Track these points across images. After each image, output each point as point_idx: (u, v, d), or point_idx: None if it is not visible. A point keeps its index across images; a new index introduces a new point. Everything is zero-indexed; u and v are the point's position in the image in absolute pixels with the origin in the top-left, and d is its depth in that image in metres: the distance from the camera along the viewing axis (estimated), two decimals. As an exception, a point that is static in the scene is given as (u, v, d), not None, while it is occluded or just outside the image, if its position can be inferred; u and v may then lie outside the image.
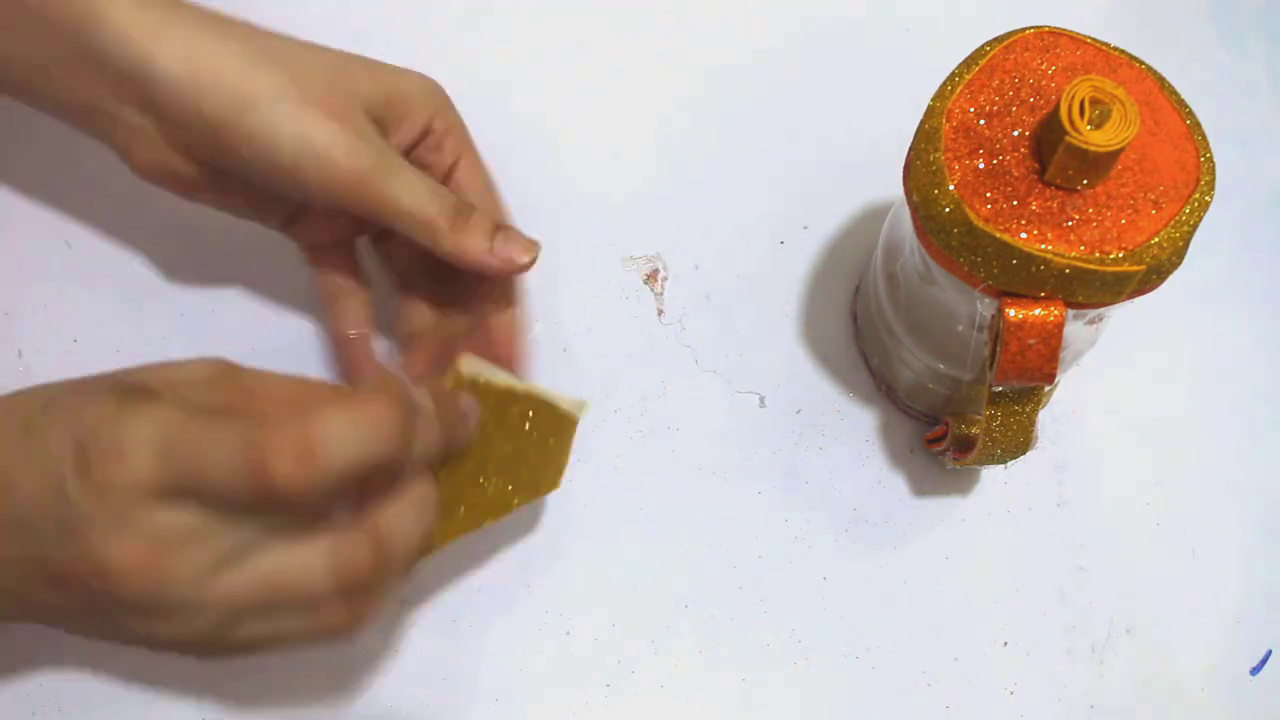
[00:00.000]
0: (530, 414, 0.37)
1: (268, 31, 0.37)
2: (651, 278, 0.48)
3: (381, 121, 0.37)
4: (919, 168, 0.34)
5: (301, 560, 0.28)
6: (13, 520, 0.28)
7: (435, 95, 0.39)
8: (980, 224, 0.32)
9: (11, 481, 0.28)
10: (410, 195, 0.36)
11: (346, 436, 0.27)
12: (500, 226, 0.38)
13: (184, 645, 0.29)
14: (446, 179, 0.40)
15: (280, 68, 0.35)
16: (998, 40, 0.35)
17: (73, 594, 0.28)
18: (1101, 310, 0.34)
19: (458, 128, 0.39)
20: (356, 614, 0.30)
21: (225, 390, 0.30)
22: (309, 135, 0.35)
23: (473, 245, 0.37)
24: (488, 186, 0.40)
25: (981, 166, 0.33)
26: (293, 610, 0.29)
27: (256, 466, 0.26)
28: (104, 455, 0.27)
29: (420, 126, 0.38)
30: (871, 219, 0.49)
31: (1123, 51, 0.35)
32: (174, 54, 0.34)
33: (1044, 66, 0.35)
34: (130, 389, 0.29)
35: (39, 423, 0.29)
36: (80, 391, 0.29)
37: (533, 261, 0.38)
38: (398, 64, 0.39)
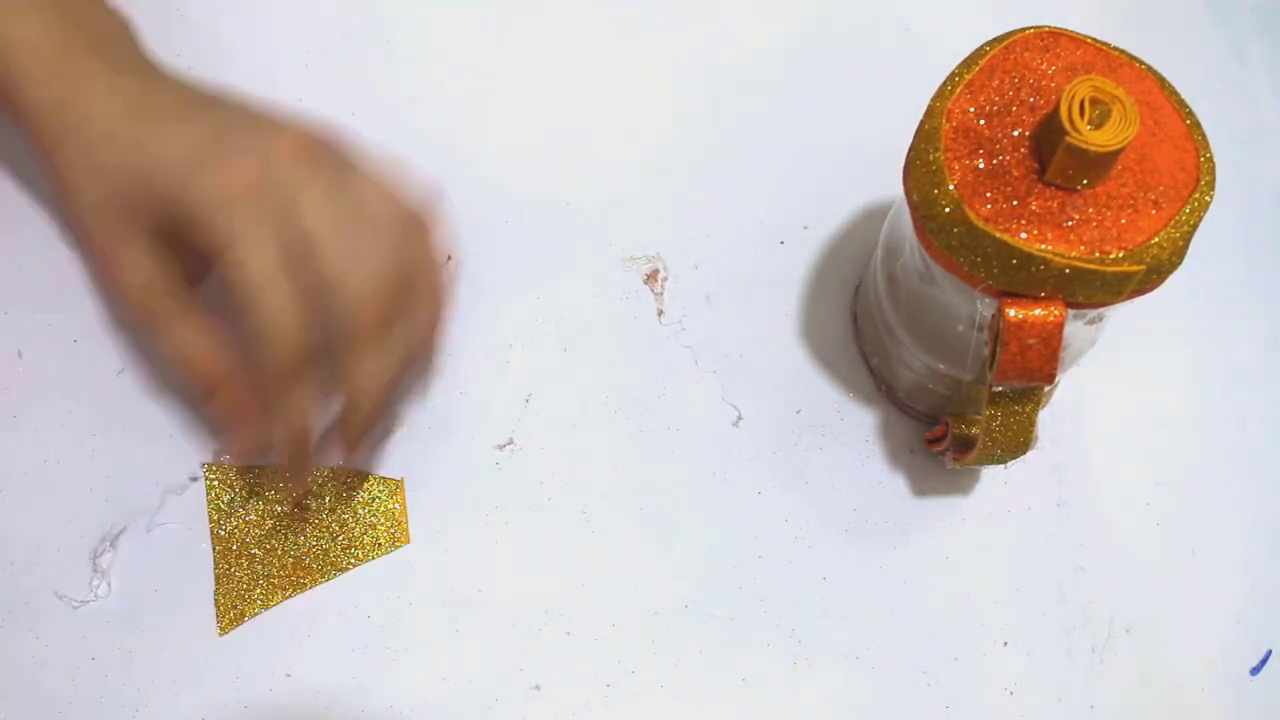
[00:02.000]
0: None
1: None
2: (651, 278, 0.48)
3: (170, 240, 0.36)
4: (919, 168, 0.34)
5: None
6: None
7: (190, 211, 0.35)
8: (980, 224, 0.32)
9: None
10: (179, 339, 0.36)
11: None
12: (236, 420, 0.38)
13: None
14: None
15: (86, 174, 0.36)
16: (998, 40, 0.35)
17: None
18: (1101, 310, 0.34)
19: (222, 241, 0.34)
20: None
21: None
22: (93, 259, 0.37)
23: (215, 410, 0.38)
24: (247, 304, 0.34)
25: (981, 166, 0.33)
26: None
27: None
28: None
29: (202, 248, 0.36)
30: (871, 219, 0.49)
31: (1123, 51, 0.35)
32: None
33: (1044, 66, 0.35)
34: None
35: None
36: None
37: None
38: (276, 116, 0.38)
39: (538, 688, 0.41)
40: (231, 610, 0.41)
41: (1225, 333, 0.49)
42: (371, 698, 0.41)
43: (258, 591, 0.41)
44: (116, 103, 0.36)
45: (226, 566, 0.41)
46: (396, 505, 0.43)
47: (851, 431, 0.46)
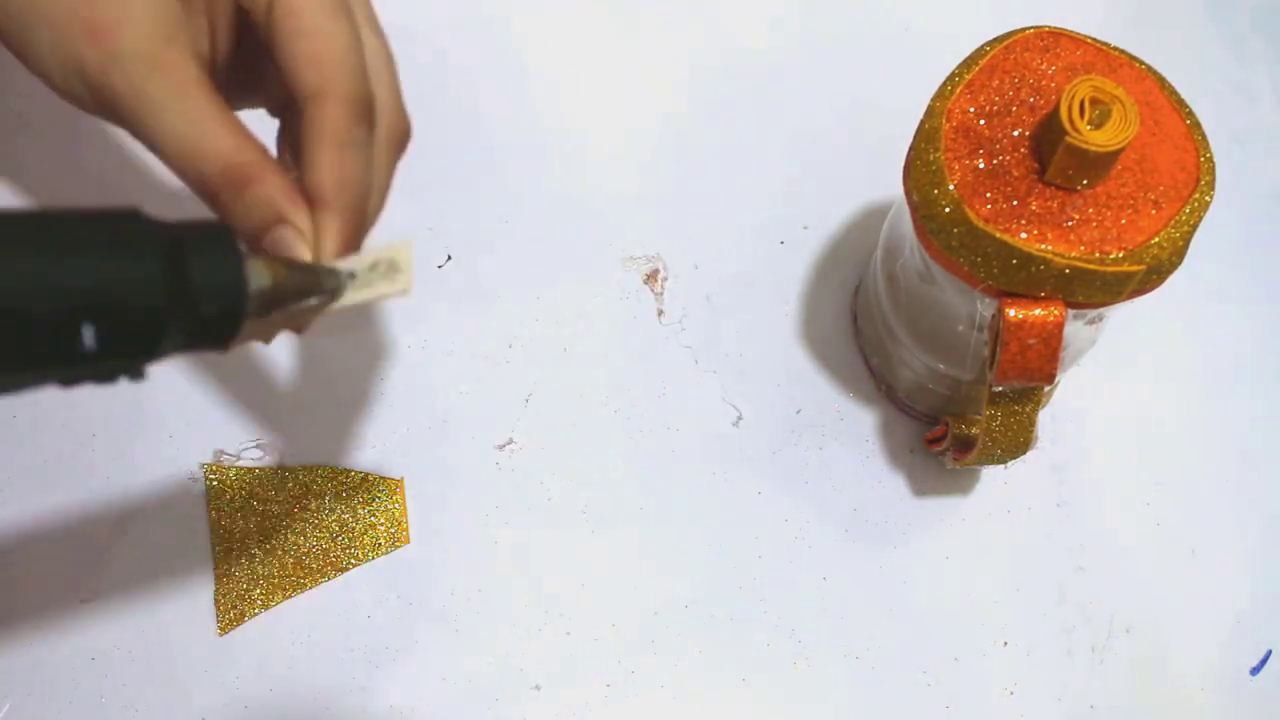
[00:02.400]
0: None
1: None
2: (651, 278, 0.48)
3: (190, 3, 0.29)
4: (919, 168, 0.34)
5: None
6: None
7: None
8: (980, 224, 0.32)
9: None
10: (185, 125, 0.27)
11: None
12: (279, 218, 0.27)
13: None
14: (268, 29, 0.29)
15: None
16: (998, 40, 0.35)
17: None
18: (1101, 310, 0.34)
19: None
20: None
21: None
22: (67, 31, 0.27)
23: (248, 208, 0.27)
24: (309, 33, 0.28)
25: (981, 166, 0.33)
26: None
27: None
28: None
29: (232, 4, 0.30)
30: (871, 219, 0.49)
31: (1123, 51, 0.35)
32: None
33: (1044, 66, 0.35)
34: None
35: None
36: None
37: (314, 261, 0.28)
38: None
39: (538, 688, 0.41)
40: (231, 610, 0.41)
41: (1225, 333, 0.49)
42: (371, 698, 0.41)
43: (258, 592, 0.41)
44: None
45: (227, 566, 0.41)
46: (396, 505, 0.43)
47: (851, 431, 0.46)
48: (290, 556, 0.42)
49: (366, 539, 0.42)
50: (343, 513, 0.43)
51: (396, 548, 0.42)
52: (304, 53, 0.28)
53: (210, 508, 0.42)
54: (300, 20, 0.28)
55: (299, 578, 0.42)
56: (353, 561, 0.42)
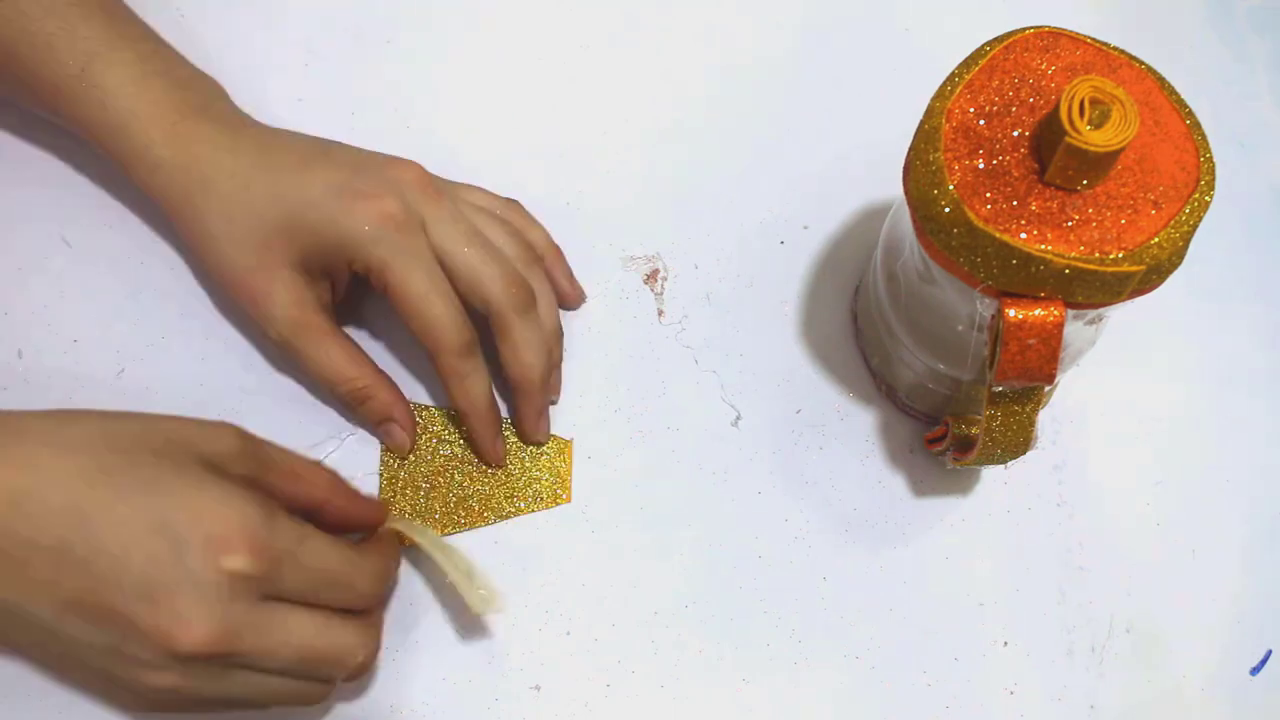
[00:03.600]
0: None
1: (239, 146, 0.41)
2: (651, 278, 0.48)
3: (313, 271, 0.41)
4: (919, 168, 0.34)
5: (331, 638, 0.35)
6: (82, 555, 0.32)
7: (349, 240, 0.39)
8: (980, 224, 0.32)
9: (97, 524, 0.32)
10: (323, 359, 0.41)
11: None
12: (389, 419, 0.43)
13: (174, 695, 0.33)
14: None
15: (223, 209, 0.40)
16: (998, 40, 0.35)
17: (99, 630, 0.32)
18: (1101, 310, 0.34)
19: (381, 265, 0.39)
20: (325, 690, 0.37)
21: (253, 464, 0.36)
22: (239, 294, 0.41)
23: (368, 415, 0.43)
24: (412, 308, 0.40)
25: (981, 166, 0.33)
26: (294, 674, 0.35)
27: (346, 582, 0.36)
28: (210, 543, 0.32)
29: (348, 272, 0.41)
30: (871, 219, 0.49)
31: (1122, 51, 0.35)
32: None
33: (1044, 66, 0.35)
34: (214, 468, 0.34)
35: (128, 471, 0.33)
36: (166, 455, 0.34)
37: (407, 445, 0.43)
38: (378, 152, 0.42)
39: (538, 688, 0.41)
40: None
41: (1225, 333, 0.49)
42: (372, 698, 0.41)
43: (418, 523, 0.42)
44: (243, 156, 0.40)
45: (391, 495, 0.43)
46: (563, 463, 0.44)
47: (851, 431, 0.46)
48: (455, 495, 0.43)
49: (529, 490, 0.44)
50: (510, 461, 0.44)
51: (557, 503, 0.44)
52: (413, 327, 0.40)
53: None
54: (403, 299, 0.39)
55: (460, 516, 0.43)
56: (512, 510, 0.43)
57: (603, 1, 0.52)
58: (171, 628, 0.32)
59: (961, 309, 0.36)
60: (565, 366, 0.45)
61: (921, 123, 0.35)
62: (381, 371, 0.43)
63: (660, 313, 0.47)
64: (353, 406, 0.42)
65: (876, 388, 0.46)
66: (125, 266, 0.45)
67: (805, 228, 0.49)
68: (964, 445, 0.41)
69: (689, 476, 0.45)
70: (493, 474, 0.44)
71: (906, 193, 0.35)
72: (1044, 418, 0.46)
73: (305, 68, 0.49)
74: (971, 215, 0.32)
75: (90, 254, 0.45)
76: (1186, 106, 0.34)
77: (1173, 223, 0.32)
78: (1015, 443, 0.37)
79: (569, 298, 0.46)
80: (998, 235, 0.32)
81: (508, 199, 0.46)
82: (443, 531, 0.43)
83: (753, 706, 0.42)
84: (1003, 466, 0.46)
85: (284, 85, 0.49)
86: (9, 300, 0.44)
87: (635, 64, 0.52)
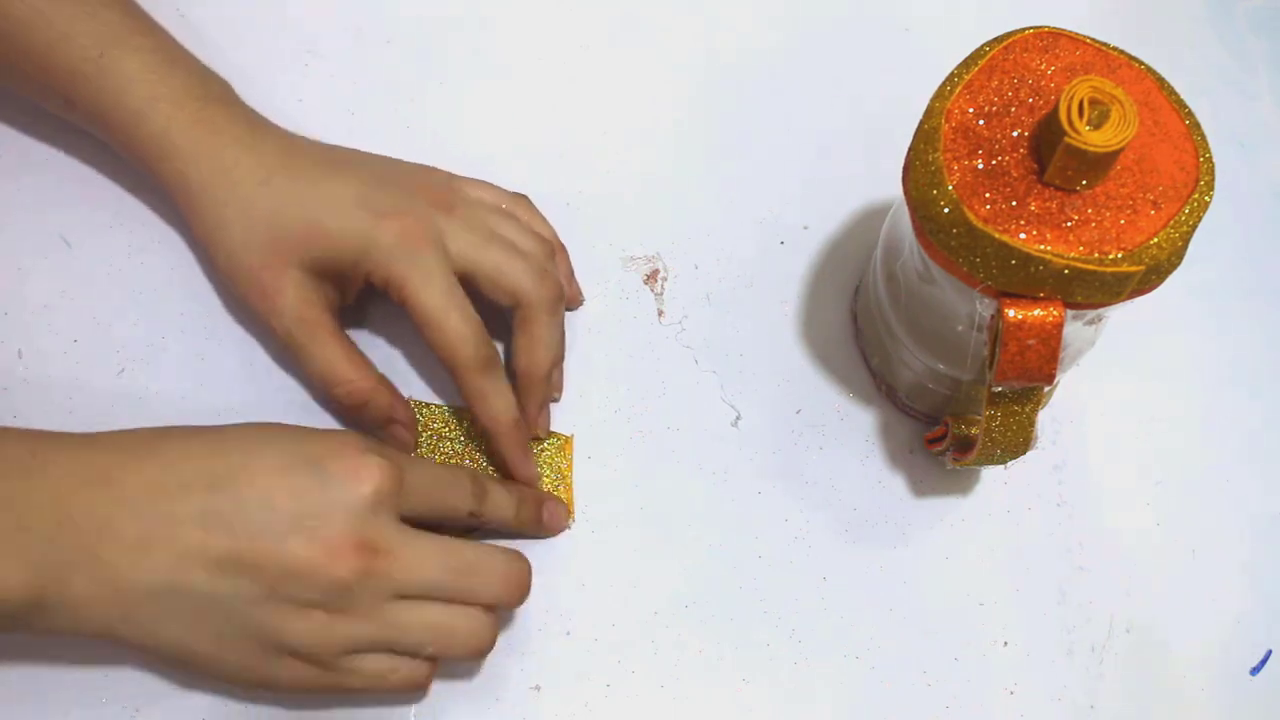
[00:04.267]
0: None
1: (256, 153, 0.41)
2: (651, 278, 0.48)
3: (323, 274, 0.41)
4: (918, 168, 0.34)
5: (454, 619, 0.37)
6: (227, 513, 0.34)
7: (369, 254, 0.40)
8: (979, 224, 0.32)
9: (237, 482, 0.35)
10: (323, 360, 0.41)
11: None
12: (391, 420, 0.42)
13: (316, 650, 0.35)
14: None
15: (231, 214, 0.40)
16: (997, 40, 0.35)
17: (253, 581, 0.34)
18: (1101, 310, 0.34)
19: (400, 279, 0.40)
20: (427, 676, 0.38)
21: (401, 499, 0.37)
22: (247, 287, 0.41)
23: (368, 420, 0.42)
24: (430, 324, 0.40)
25: (980, 167, 0.33)
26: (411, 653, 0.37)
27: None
28: (350, 471, 0.35)
29: (363, 283, 0.41)
30: (871, 219, 0.49)
31: (1122, 51, 0.35)
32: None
33: (1043, 67, 0.35)
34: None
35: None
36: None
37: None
38: (391, 158, 0.43)
39: (538, 688, 0.41)
40: None
41: (1225, 333, 0.49)
42: (372, 698, 0.41)
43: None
44: (265, 154, 0.40)
45: None
46: (563, 460, 0.44)
47: (851, 431, 0.46)
48: None
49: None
50: None
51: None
52: (430, 340, 0.40)
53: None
54: (422, 314, 0.39)
55: None
56: None
57: (603, 1, 0.52)
58: (322, 553, 0.34)
59: (961, 309, 0.36)
60: (565, 365, 0.45)
61: (921, 123, 0.35)
62: (381, 376, 0.42)
63: (660, 313, 0.47)
64: (351, 410, 0.42)
65: (876, 388, 0.46)
66: (125, 266, 0.45)
67: (805, 228, 0.49)
68: (964, 445, 0.41)
69: (689, 476, 0.45)
70: (493, 470, 0.43)
71: (906, 193, 0.35)
72: (1044, 418, 0.46)
73: (305, 68, 0.49)
74: (971, 215, 0.32)
75: (90, 254, 0.45)
76: (1186, 106, 0.34)
77: (1172, 223, 0.32)
78: (1015, 443, 0.37)
79: (571, 299, 0.46)
80: (997, 235, 0.32)
81: (515, 194, 0.46)
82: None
83: (753, 706, 0.42)
84: (1003, 466, 0.46)
85: (284, 85, 0.49)
86: (9, 300, 0.44)
87: (635, 64, 0.52)
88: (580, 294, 0.47)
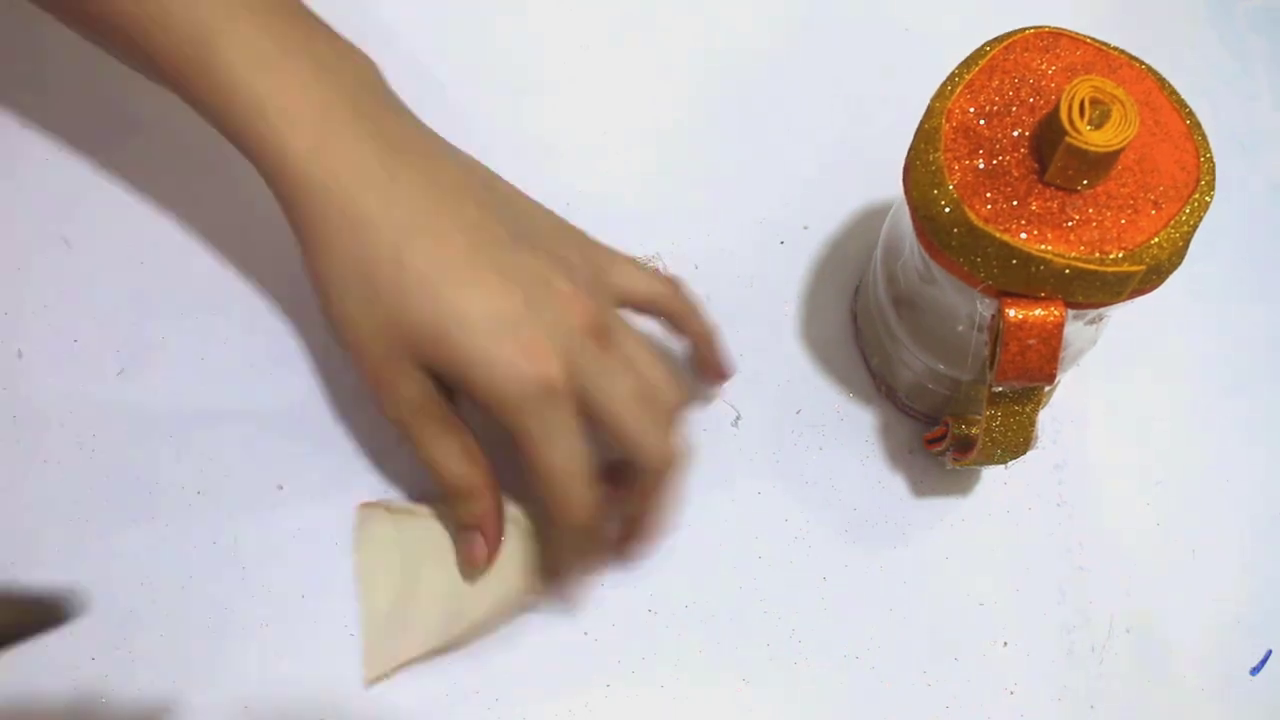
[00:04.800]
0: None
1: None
2: (651, 278, 0.48)
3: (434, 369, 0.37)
4: (919, 168, 0.34)
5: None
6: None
7: (499, 393, 0.35)
8: (980, 224, 0.32)
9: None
10: (438, 452, 0.37)
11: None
12: (476, 527, 0.39)
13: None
14: None
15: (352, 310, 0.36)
16: (998, 40, 0.35)
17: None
18: (1101, 310, 0.34)
19: (523, 433, 0.36)
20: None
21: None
22: (363, 367, 0.37)
23: (462, 516, 0.39)
24: (548, 484, 0.37)
25: (981, 167, 0.33)
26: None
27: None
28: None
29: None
30: (871, 219, 0.49)
31: (1122, 51, 0.35)
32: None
33: (1044, 66, 0.35)
34: None
35: None
36: None
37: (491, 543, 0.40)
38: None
39: (538, 688, 0.41)
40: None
41: (1225, 333, 0.49)
42: (372, 698, 0.41)
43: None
44: (400, 206, 0.35)
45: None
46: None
47: (851, 431, 0.46)
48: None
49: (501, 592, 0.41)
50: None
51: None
52: (543, 493, 0.36)
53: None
54: (542, 474, 0.36)
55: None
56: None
57: (603, 1, 0.52)
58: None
59: (962, 309, 0.36)
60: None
61: (921, 123, 0.35)
62: (493, 478, 0.39)
63: (660, 313, 0.47)
64: (453, 499, 0.39)
65: (876, 388, 0.46)
66: (125, 266, 0.45)
67: (805, 228, 0.49)
68: (964, 445, 0.41)
69: (689, 476, 0.45)
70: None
71: (906, 193, 0.35)
72: (1044, 418, 0.46)
73: (305, 68, 0.49)
74: (971, 215, 0.32)
75: (90, 254, 0.45)
76: (1186, 106, 0.34)
77: (1173, 223, 0.32)
78: (1015, 443, 0.37)
79: (717, 376, 0.44)
80: (998, 235, 0.32)
81: (667, 279, 0.42)
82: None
83: (753, 706, 0.42)
84: (1003, 466, 0.46)
85: (284, 85, 0.49)
86: (9, 300, 0.44)
87: (635, 64, 0.52)
88: (725, 367, 0.44)
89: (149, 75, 0.37)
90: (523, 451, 0.36)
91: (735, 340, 0.47)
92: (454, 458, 0.37)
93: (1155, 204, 0.33)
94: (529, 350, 0.34)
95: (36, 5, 0.38)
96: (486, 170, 0.40)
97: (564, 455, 0.35)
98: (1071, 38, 0.35)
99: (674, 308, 0.42)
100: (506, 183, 0.40)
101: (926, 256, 0.35)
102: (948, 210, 0.33)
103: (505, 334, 0.34)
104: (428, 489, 0.43)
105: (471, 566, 0.39)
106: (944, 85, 0.35)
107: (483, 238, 0.36)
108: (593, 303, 0.37)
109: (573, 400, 0.35)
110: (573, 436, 0.36)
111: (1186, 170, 0.33)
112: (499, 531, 0.39)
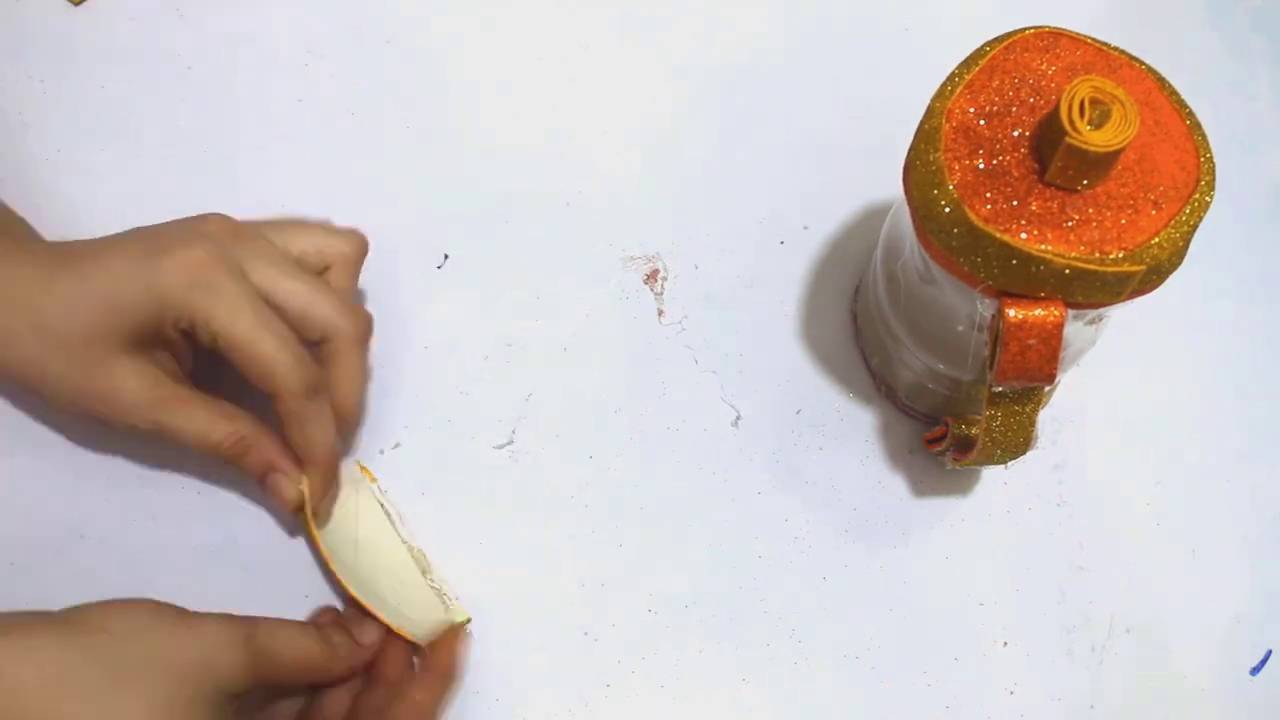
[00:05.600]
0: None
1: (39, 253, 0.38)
2: (651, 278, 0.48)
3: (146, 346, 0.38)
4: (919, 168, 0.34)
5: None
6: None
7: (166, 301, 0.36)
8: (980, 224, 0.32)
9: None
10: (192, 429, 0.38)
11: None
12: (271, 469, 0.39)
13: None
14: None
15: (34, 316, 0.36)
16: (998, 40, 0.35)
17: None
18: (1101, 310, 0.34)
19: (204, 315, 0.37)
20: None
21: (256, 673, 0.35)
22: (87, 401, 0.37)
23: (249, 468, 0.39)
24: (243, 352, 0.37)
25: (981, 167, 0.33)
26: None
27: None
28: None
29: (179, 337, 0.38)
30: (871, 219, 0.49)
31: (1122, 51, 0.35)
32: None
33: (1044, 66, 0.35)
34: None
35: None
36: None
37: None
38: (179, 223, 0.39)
39: (538, 688, 0.41)
40: None
41: (1225, 333, 0.49)
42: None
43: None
44: (40, 265, 0.37)
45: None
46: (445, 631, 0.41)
47: (851, 431, 0.46)
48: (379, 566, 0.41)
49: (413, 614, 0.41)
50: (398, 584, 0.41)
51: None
52: (250, 373, 0.37)
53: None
54: (237, 348, 0.37)
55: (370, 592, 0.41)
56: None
57: (603, 1, 0.52)
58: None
59: (961, 309, 0.36)
60: (566, 366, 0.45)
61: (921, 123, 0.35)
62: (261, 423, 0.39)
63: (660, 313, 0.47)
64: (235, 461, 0.39)
65: (876, 388, 0.46)
66: (125, 266, 0.45)
67: (805, 228, 0.49)
68: (964, 445, 0.41)
69: (689, 476, 0.45)
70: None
71: (906, 193, 0.35)
72: (1044, 418, 0.46)
73: (305, 68, 0.49)
74: (972, 215, 0.32)
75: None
76: (1186, 106, 0.34)
77: (1173, 223, 0.32)
78: (1015, 443, 0.37)
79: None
80: (998, 235, 0.32)
81: (304, 221, 0.42)
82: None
83: (753, 706, 0.42)
84: (1003, 466, 0.46)
85: (284, 85, 0.49)
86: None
87: (635, 64, 0.52)
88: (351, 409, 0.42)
89: None
90: (217, 340, 0.37)
91: (735, 340, 0.47)
92: (209, 420, 0.38)
93: (1155, 204, 0.33)
94: (170, 250, 0.36)
95: None
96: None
97: (248, 316, 0.36)
98: (1071, 38, 0.35)
99: (314, 238, 0.41)
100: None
101: (927, 256, 0.35)
102: (948, 210, 0.33)
103: (148, 255, 0.36)
104: (428, 485, 0.43)
105: (289, 508, 0.40)
106: (944, 85, 0.35)
107: (114, 236, 0.39)
108: (227, 217, 0.39)
109: (236, 275, 0.37)
110: (253, 301, 0.37)
111: (1186, 170, 0.33)
112: (294, 460, 0.39)
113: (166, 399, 0.38)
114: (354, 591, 0.39)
